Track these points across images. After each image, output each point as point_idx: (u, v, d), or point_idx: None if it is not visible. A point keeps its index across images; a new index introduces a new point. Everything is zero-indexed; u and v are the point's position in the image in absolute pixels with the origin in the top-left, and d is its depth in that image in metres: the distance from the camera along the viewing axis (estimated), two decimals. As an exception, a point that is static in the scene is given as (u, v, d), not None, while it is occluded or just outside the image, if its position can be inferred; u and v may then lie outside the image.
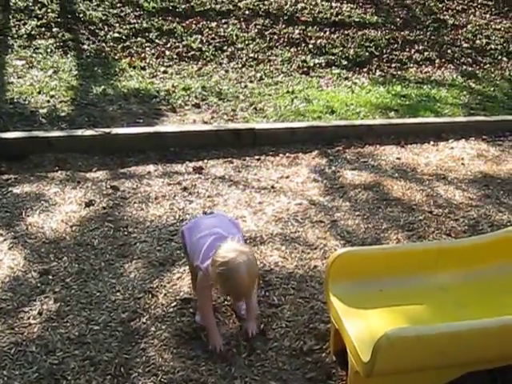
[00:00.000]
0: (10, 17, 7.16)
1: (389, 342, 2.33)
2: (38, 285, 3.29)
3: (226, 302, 3.19)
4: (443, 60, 7.85)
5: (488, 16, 9.15)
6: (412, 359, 2.42)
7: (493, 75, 7.61)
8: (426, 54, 7.88)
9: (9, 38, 6.83)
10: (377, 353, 2.34)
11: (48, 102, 5.58)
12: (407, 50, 7.90)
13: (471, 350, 2.47)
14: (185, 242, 3.05)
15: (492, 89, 7.12)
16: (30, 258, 3.53)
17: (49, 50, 6.68)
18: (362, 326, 2.64)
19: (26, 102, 5.53)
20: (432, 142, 5.55)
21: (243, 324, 3.01)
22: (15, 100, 5.55)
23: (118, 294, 3.24)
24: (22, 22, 7.09)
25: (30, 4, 7.35)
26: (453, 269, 2.96)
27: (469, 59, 7.96)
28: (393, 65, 7.52)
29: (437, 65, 7.71)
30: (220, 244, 2.74)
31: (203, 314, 2.94)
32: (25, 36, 6.86)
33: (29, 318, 3.03)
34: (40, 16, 7.19)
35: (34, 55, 6.55)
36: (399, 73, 7.35)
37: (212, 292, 2.97)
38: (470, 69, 7.73)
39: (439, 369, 2.52)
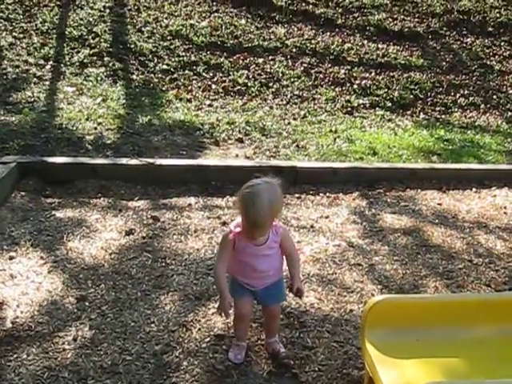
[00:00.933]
0: (65, 45, 7.41)
1: (425, 396, 2.29)
2: (75, 310, 3.34)
3: (259, 342, 3.18)
4: (488, 105, 7.80)
5: (536, 64, 9.08)
6: (447, 415, 2.36)
7: (539, 123, 7.51)
8: (471, 98, 7.85)
9: (62, 65, 7.06)
10: (412, 406, 2.30)
11: (95, 129, 5.72)
12: (452, 94, 7.88)
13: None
14: None
15: (537, 137, 7.02)
16: (68, 283, 3.58)
17: (99, 79, 6.87)
18: (397, 376, 2.59)
19: (74, 128, 5.68)
20: (474, 189, 5.48)
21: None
22: (64, 126, 5.71)
23: (153, 325, 3.26)
24: (76, 50, 7.34)
25: (84, 33, 7.61)
26: (492, 322, 2.89)
27: (514, 106, 7.90)
28: (437, 108, 7.50)
29: (481, 110, 7.66)
30: None
31: (215, 270, 2.93)
32: (77, 64, 7.09)
33: (63, 344, 3.07)
34: (93, 45, 7.43)
35: (84, 83, 6.75)
36: (443, 117, 7.33)
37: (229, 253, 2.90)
38: (515, 116, 7.66)
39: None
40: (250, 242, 2.84)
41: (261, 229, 2.79)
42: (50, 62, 7.07)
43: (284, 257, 2.98)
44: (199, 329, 3.24)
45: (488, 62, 8.85)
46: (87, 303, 3.41)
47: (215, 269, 2.96)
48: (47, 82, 6.71)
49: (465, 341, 2.85)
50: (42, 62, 7.05)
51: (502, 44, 9.30)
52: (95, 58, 7.25)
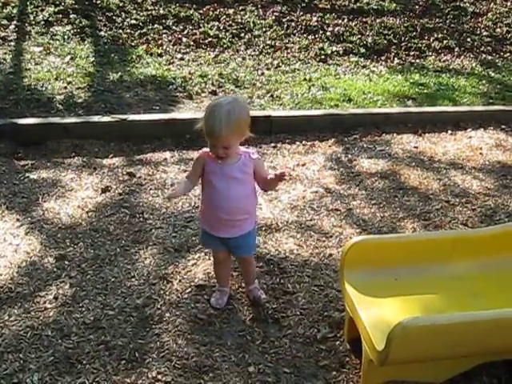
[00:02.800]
0: (28, 3, 7.19)
1: (404, 331, 2.32)
2: (54, 270, 3.32)
3: (240, 290, 3.20)
4: (462, 48, 7.75)
5: (509, 4, 9.01)
6: (426, 348, 2.40)
7: (513, 64, 7.50)
8: (445, 42, 7.78)
9: (26, 24, 6.85)
10: (391, 341, 2.33)
11: (65, 88, 5.60)
12: (426, 38, 7.81)
13: (486, 340, 2.45)
14: None
15: (512, 78, 7.03)
16: (46, 243, 3.55)
17: (66, 37, 6.69)
18: (377, 315, 2.63)
19: (43, 89, 5.55)
20: (450, 132, 5.49)
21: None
22: (32, 86, 5.57)
23: (133, 279, 3.26)
24: (40, 8, 7.12)
25: (48, -10, 7.36)
26: (468, 258, 2.94)
27: (488, 48, 7.85)
28: (411, 53, 7.43)
29: (456, 53, 7.61)
30: None
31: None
32: (42, 23, 6.88)
33: (44, 303, 3.06)
34: (58, 2, 7.21)
35: (51, 42, 6.57)
36: (418, 61, 7.27)
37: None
38: (489, 57, 7.62)
39: (454, 359, 2.52)
40: (218, 161, 2.76)
41: (218, 139, 2.66)
42: (14, 22, 6.85)
43: (259, 185, 2.88)
44: (180, 280, 3.25)
45: (461, 5, 8.75)
46: (66, 262, 3.39)
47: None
48: (12, 43, 6.51)
49: (442, 277, 2.90)
50: (5, 22, 6.82)
51: (475, -15, 9.21)
52: (61, 15, 7.03)
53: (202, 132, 2.70)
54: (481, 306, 2.65)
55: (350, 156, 4.86)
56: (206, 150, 2.80)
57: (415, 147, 5.11)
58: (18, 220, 3.78)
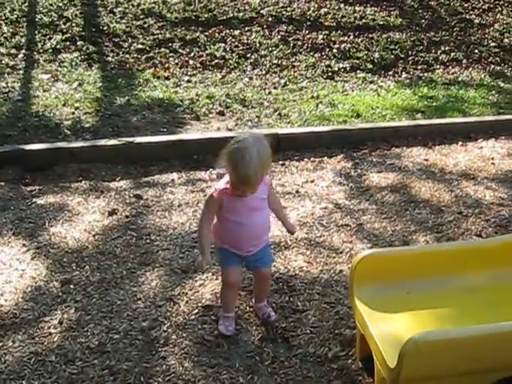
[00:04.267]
0: (36, 32, 7.25)
1: (415, 347, 2.24)
2: (60, 294, 3.27)
3: (248, 309, 3.12)
4: (470, 60, 7.68)
5: (516, 14, 8.96)
6: (441, 364, 2.31)
7: (522, 74, 7.42)
8: (452, 54, 7.73)
9: (35, 52, 6.90)
10: (403, 358, 2.25)
11: (72, 113, 5.61)
12: (433, 51, 7.76)
13: (504, 353, 2.35)
14: None
15: (522, 87, 6.94)
16: (51, 267, 3.51)
17: (74, 64, 6.73)
18: (388, 331, 2.54)
19: (51, 115, 5.57)
20: (460, 143, 5.41)
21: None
22: (40, 113, 5.59)
23: (139, 302, 3.20)
24: (48, 36, 7.17)
25: (55, 19, 7.43)
26: (482, 269, 2.85)
27: (497, 58, 7.78)
28: (419, 67, 7.38)
29: (464, 65, 7.55)
30: None
31: (199, 226, 2.86)
32: (50, 50, 6.93)
33: (49, 328, 3.01)
34: (65, 30, 7.26)
35: (59, 69, 6.60)
36: (426, 74, 7.21)
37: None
38: (498, 68, 7.54)
39: (471, 374, 2.41)
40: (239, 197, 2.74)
41: (252, 185, 2.68)
42: (23, 51, 6.90)
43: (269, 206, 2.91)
44: (187, 301, 3.18)
45: (467, 17, 8.71)
46: (72, 286, 3.34)
47: (199, 228, 2.85)
48: (21, 71, 6.55)
49: (456, 289, 2.82)
50: (13, 51, 6.88)
51: (481, -3, 9.18)
52: (68, 43, 7.08)
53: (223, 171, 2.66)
54: (497, 318, 2.54)
55: (359, 171, 4.79)
56: (220, 187, 2.75)
57: (425, 160, 5.03)
58: (24, 245, 3.74)
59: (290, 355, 2.83)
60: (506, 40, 8.19)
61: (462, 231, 3.91)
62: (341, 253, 3.64)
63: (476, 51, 7.89)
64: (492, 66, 7.58)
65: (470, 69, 7.48)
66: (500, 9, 9.03)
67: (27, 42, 7.08)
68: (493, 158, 5.08)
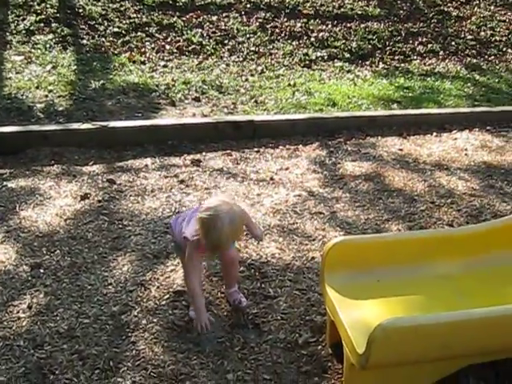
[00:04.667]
0: (9, 12, 7.11)
1: (384, 333, 2.25)
2: (29, 278, 3.22)
3: (219, 295, 3.11)
4: (447, 52, 7.73)
5: (492, 8, 9.01)
6: (409, 351, 2.32)
7: (497, 67, 7.48)
8: (429, 46, 7.76)
9: (7, 33, 6.77)
10: (372, 344, 2.25)
11: (46, 96, 5.52)
12: (410, 42, 7.78)
13: (472, 340, 2.37)
14: (173, 233, 2.96)
15: (496, 80, 6.99)
16: (21, 251, 3.46)
17: (48, 46, 6.61)
18: (358, 317, 2.55)
19: (24, 97, 5.47)
20: (435, 133, 5.44)
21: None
22: (13, 95, 5.49)
23: (110, 287, 3.17)
24: (21, 17, 7.04)
25: (29, -1, 7.30)
26: (452, 257, 2.86)
27: (473, 51, 7.84)
28: (396, 57, 7.40)
29: (441, 57, 7.59)
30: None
31: (189, 286, 2.79)
32: (24, 31, 6.80)
33: (18, 312, 2.97)
34: (39, 11, 7.13)
35: (32, 51, 6.48)
36: (402, 65, 7.24)
37: (200, 264, 2.89)
38: (474, 61, 7.60)
39: (438, 361, 2.43)
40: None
41: (223, 248, 2.74)
42: (-5, 31, 6.79)
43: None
44: (158, 287, 3.16)
45: (445, 9, 8.74)
46: (42, 270, 3.30)
47: (192, 289, 2.76)
48: (-7, 52, 6.44)
49: (426, 277, 2.83)
50: (-15, 31, 6.76)
51: (458, -11, 9.22)
52: (42, 24, 6.96)
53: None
54: (467, 306, 2.56)
55: (333, 159, 4.80)
56: (192, 237, 2.71)
57: (400, 149, 5.06)
58: (-7, 229, 3.68)
59: (260, 341, 2.83)
60: (482, 33, 8.25)
61: (434, 220, 3.94)
62: (313, 240, 3.64)
63: (453, 43, 7.94)
64: (468, 59, 7.63)
65: (447, 61, 7.53)
66: (477, 2, 9.07)
67: (0, 22, 6.94)
68: (466, 149, 5.12)
